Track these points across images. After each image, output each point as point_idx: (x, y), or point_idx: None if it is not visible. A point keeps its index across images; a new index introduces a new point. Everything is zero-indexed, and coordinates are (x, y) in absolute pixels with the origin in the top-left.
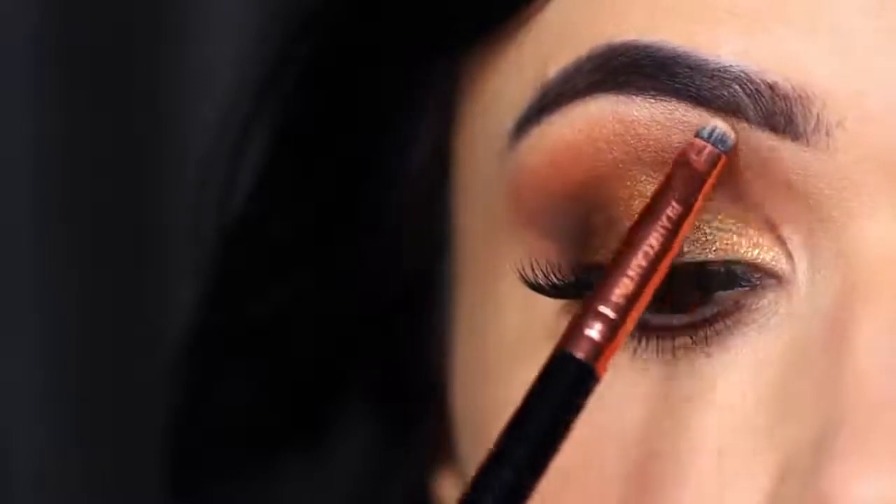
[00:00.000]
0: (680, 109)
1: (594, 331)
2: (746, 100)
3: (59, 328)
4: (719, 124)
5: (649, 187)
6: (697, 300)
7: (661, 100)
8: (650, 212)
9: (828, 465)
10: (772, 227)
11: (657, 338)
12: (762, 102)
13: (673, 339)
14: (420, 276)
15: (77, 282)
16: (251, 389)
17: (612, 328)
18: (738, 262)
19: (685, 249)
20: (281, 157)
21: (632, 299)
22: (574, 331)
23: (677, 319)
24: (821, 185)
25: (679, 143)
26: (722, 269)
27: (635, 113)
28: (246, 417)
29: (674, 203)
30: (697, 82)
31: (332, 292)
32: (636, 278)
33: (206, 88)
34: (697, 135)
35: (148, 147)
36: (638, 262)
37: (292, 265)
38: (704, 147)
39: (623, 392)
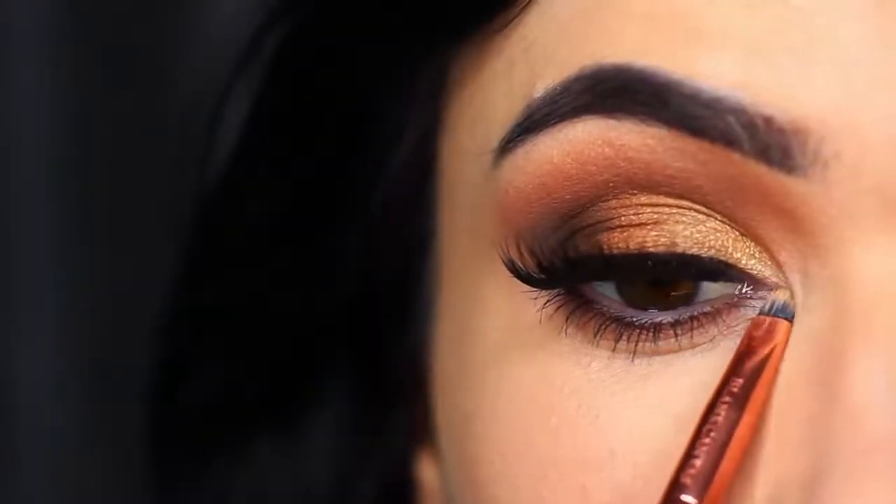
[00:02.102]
0: (672, 137)
1: None
2: (741, 132)
3: (75, 311)
4: (777, 297)
5: (644, 198)
6: (685, 296)
7: (653, 125)
8: (716, 394)
9: None
10: (767, 249)
11: (639, 337)
12: (758, 135)
13: (656, 339)
14: (402, 266)
15: (93, 265)
16: (227, 368)
17: None
18: (731, 266)
19: (682, 247)
20: (259, 139)
21: (705, 478)
22: None
23: (662, 317)
24: (816, 214)
25: (671, 169)
26: (713, 262)
27: (625, 137)
28: (222, 396)
29: (735, 378)
30: (691, 112)
31: (309, 277)
32: (704, 456)
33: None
34: (759, 312)
35: (171, 127)
36: (703, 441)
37: (270, 248)
38: (765, 321)
39: (601, 392)
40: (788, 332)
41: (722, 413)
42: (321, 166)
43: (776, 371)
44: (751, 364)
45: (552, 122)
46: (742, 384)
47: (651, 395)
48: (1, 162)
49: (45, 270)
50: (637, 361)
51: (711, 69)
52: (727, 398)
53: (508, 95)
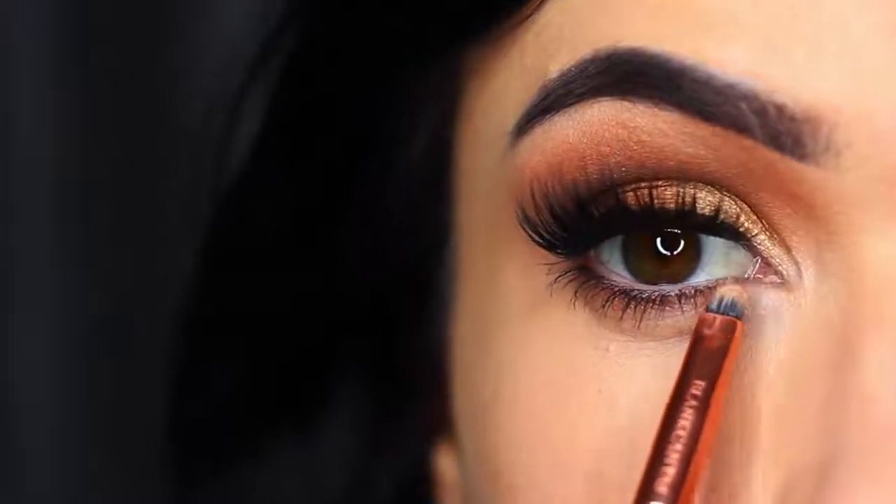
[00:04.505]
0: (684, 121)
1: None
2: (753, 118)
3: (75, 310)
4: (726, 293)
5: (660, 185)
6: (691, 261)
7: (665, 109)
8: (676, 396)
9: (830, 492)
10: (779, 235)
11: (645, 307)
12: (769, 122)
13: (662, 310)
14: (419, 260)
15: (93, 265)
16: (245, 369)
17: None
18: (741, 235)
19: (698, 206)
20: (276, 137)
21: (678, 486)
22: None
23: (670, 289)
24: (829, 202)
25: (683, 154)
26: (725, 225)
27: (638, 120)
28: (241, 398)
29: (696, 381)
30: (703, 97)
31: (327, 276)
32: (676, 464)
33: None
34: (707, 308)
35: (171, 127)
36: (674, 448)
37: (288, 249)
38: (715, 319)
39: (619, 377)
40: (740, 331)
41: (689, 418)
42: (337, 165)
43: (731, 372)
44: (708, 364)
45: (569, 102)
46: (705, 386)
47: (668, 379)
48: (1, 162)
49: (45, 270)
50: (650, 343)
51: (723, 56)
52: (693, 402)
53: (522, 79)
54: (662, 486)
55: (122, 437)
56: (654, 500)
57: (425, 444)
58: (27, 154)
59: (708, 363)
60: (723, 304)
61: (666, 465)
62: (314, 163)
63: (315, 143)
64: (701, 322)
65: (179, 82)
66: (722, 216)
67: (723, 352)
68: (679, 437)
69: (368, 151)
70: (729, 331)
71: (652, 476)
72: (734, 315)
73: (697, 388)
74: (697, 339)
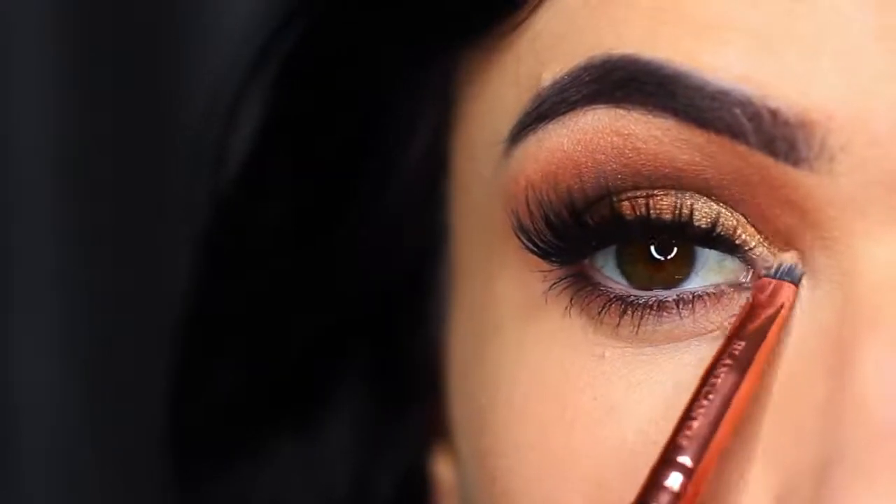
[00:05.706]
0: (679, 128)
1: (671, 480)
2: (747, 124)
3: (74, 308)
4: (784, 259)
5: (657, 194)
6: (685, 266)
7: (660, 116)
8: (717, 357)
9: (828, 494)
10: (773, 241)
11: (643, 313)
12: (764, 128)
13: (659, 315)
14: (416, 264)
15: (93, 265)
16: (246, 368)
17: (688, 474)
18: (737, 247)
19: (694, 217)
20: (276, 137)
21: (701, 439)
22: (652, 484)
23: (667, 294)
24: (823, 207)
25: (679, 161)
26: (721, 237)
27: (633, 127)
28: (243, 397)
29: (737, 342)
30: (697, 103)
31: (326, 277)
32: (701, 418)
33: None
34: (765, 274)
35: (170, 127)
36: (700, 403)
37: (288, 249)
38: (770, 284)
39: (615, 384)
40: (794, 296)
41: (721, 375)
42: (337, 165)
43: (780, 335)
44: (753, 327)
45: (563, 110)
46: (744, 347)
47: (664, 384)
48: (1, 162)
49: (45, 270)
50: (647, 349)
51: (717, 62)
52: (728, 360)
53: (516, 87)
54: (684, 438)
55: (122, 438)
56: (677, 453)
57: (425, 446)
58: (27, 154)
59: (754, 325)
60: (780, 269)
61: (691, 418)
62: (314, 162)
63: (315, 142)
64: (757, 287)
65: (179, 82)
66: (719, 229)
67: (772, 316)
68: (708, 393)
69: (368, 151)
70: (782, 295)
71: (678, 429)
72: (790, 280)
73: (737, 347)
74: (749, 303)
